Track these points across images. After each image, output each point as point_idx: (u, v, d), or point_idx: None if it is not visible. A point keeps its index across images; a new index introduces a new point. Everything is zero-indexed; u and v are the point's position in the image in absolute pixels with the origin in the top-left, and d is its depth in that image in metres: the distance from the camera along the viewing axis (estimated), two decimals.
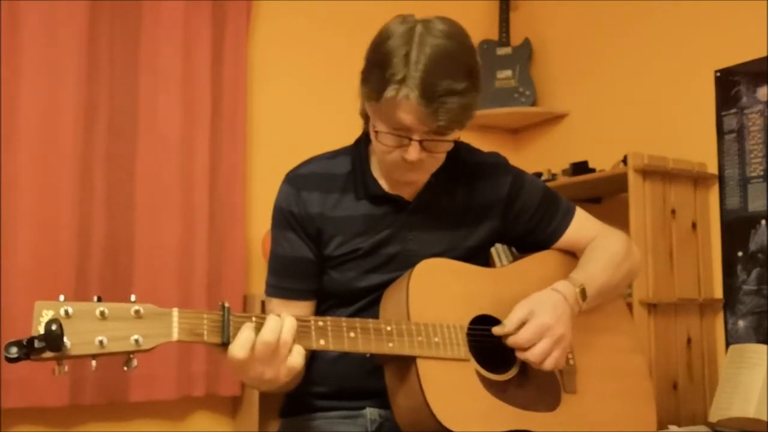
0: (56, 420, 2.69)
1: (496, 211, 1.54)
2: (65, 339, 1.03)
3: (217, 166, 2.96)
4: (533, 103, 3.50)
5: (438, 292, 1.38)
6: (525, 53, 3.54)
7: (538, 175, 3.08)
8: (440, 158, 1.42)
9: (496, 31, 3.58)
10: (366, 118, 1.49)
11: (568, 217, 1.59)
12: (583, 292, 1.43)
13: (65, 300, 1.06)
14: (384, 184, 1.48)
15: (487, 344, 1.38)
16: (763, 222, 2.70)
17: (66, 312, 1.05)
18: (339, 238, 1.46)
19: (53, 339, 1.01)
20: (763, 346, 2.30)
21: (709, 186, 2.87)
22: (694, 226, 2.81)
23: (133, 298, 1.13)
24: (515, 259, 1.64)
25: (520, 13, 3.71)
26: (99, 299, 1.09)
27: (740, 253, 2.76)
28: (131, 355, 1.09)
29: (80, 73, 2.72)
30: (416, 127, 1.33)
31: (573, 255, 1.59)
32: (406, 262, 1.43)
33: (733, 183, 2.81)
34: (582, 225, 1.60)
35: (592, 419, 1.43)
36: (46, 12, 2.70)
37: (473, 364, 1.35)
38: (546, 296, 1.40)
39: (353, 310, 1.47)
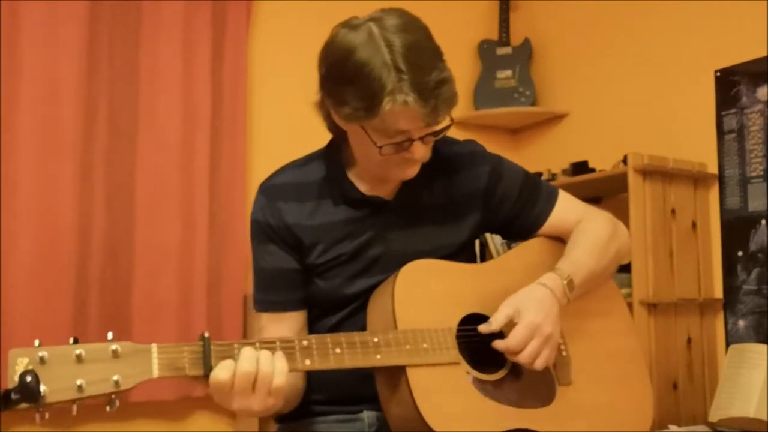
0: (56, 420, 2.69)
1: (477, 202, 1.51)
2: (42, 387, 1.01)
3: (217, 166, 2.96)
4: (533, 103, 3.50)
5: (424, 296, 1.36)
6: (525, 53, 3.54)
7: (539, 175, 3.08)
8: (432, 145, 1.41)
9: (496, 31, 3.57)
10: (337, 133, 1.46)
11: (551, 201, 1.56)
12: (570, 284, 1.40)
13: (40, 345, 1.04)
14: (361, 187, 1.46)
15: (478, 343, 1.36)
16: (763, 222, 2.70)
17: (41, 358, 1.03)
18: (321, 246, 1.44)
19: (29, 390, 1.00)
20: (763, 346, 2.31)
21: (709, 186, 2.87)
22: (694, 226, 2.81)
23: (110, 336, 1.10)
24: None
25: (520, 13, 3.70)
26: (75, 341, 1.07)
27: (740, 253, 2.76)
28: (113, 396, 1.07)
29: (80, 73, 2.72)
30: (419, 128, 1.32)
31: (559, 240, 1.56)
32: (390, 264, 1.40)
33: (733, 183, 2.81)
34: (566, 208, 1.57)
35: (589, 408, 1.42)
36: (46, 12, 2.70)
37: (464, 367, 1.34)
38: (532, 292, 1.37)
39: (340, 317, 1.45)
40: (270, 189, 1.48)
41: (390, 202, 1.46)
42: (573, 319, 1.45)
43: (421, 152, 1.35)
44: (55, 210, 2.66)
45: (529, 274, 1.42)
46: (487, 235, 3.03)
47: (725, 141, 2.84)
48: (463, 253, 1.50)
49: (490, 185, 1.51)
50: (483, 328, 1.34)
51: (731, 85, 2.83)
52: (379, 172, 1.42)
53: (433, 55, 1.32)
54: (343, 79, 1.31)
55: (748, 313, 2.72)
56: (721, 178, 2.84)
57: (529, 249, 1.56)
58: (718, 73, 2.87)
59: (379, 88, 1.26)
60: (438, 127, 1.34)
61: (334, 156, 1.49)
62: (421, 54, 1.29)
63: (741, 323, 2.74)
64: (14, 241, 2.59)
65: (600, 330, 1.52)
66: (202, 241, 2.88)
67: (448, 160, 1.51)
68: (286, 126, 3.18)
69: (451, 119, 1.35)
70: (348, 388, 1.43)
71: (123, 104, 2.83)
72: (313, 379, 1.46)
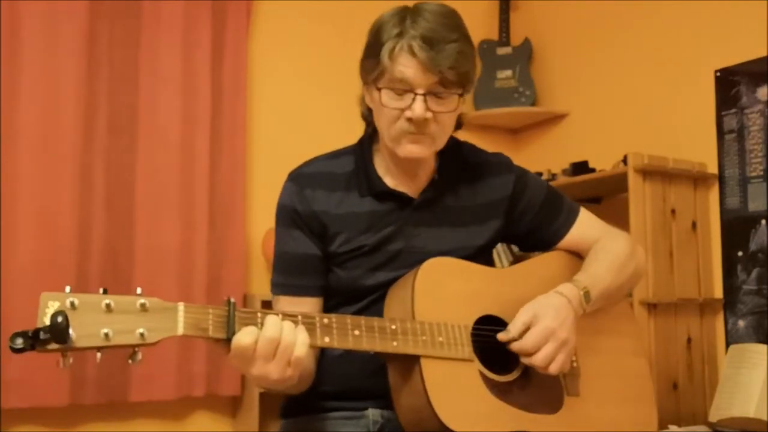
0: (56, 420, 2.69)
1: (500, 209, 1.54)
2: (71, 331, 1.02)
3: (217, 166, 2.97)
4: (533, 103, 3.50)
5: (443, 292, 1.38)
6: (525, 53, 3.54)
7: (538, 174, 3.07)
8: (445, 126, 1.42)
9: (496, 31, 3.57)
10: (368, 119, 1.50)
11: (571, 218, 1.60)
12: (587, 295, 1.43)
13: (71, 291, 1.06)
14: (388, 182, 1.49)
15: (491, 344, 1.38)
16: (763, 222, 2.70)
17: (72, 303, 1.05)
18: (344, 236, 1.46)
19: (59, 331, 1.00)
20: (763, 346, 2.30)
21: (709, 186, 2.87)
22: (694, 226, 2.81)
23: (138, 290, 1.12)
24: (516, 258, 1.65)
25: (520, 13, 3.71)
26: (105, 291, 1.09)
27: (740, 253, 2.76)
28: (136, 349, 1.09)
29: (80, 73, 2.73)
30: (419, 78, 1.35)
31: (578, 256, 1.59)
32: (410, 259, 1.43)
33: (733, 183, 2.81)
34: (586, 225, 1.60)
35: (594, 422, 1.44)
36: (46, 12, 2.70)
37: (477, 365, 1.36)
38: (549, 299, 1.39)
39: (358, 308, 1.47)
40: (300, 176, 1.50)
41: (415, 199, 1.49)
42: (586, 335, 1.47)
43: (420, 110, 1.36)
44: (55, 210, 2.66)
45: (546, 284, 1.45)
46: None
47: (725, 141, 2.84)
48: (481, 256, 1.52)
49: (515, 194, 1.55)
50: (502, 336, 1.36)
51: (731, 85, 2.83)
52: (391, 143, 1.43)
53: (454, 24, 1.38)
54: (367, 42, 1.41)
55: (748, 313, 2.72)
56: (721, 178, 2.84)
57: (548, 260, 1.59)
58: (718, 73, 2.87)
59: (389, 35, 1.35)
60: (445, 90, 1.37)
61: (364, 151, 1.52)
62: (440, 18, 1.36)
63: (741, 323, 2.74)
64: (14, 241, 2.60)
65: (611, 348, 1.54)
66: (202, 241, 2.88)
67: (476, 167, 1.55)
68: (286, 126, 3.18)
69: (462, 93, 1.40)
70: (354, 383, 1.45)
71: (123, 104, 2.84)
72: (320, 371, 1.47)
